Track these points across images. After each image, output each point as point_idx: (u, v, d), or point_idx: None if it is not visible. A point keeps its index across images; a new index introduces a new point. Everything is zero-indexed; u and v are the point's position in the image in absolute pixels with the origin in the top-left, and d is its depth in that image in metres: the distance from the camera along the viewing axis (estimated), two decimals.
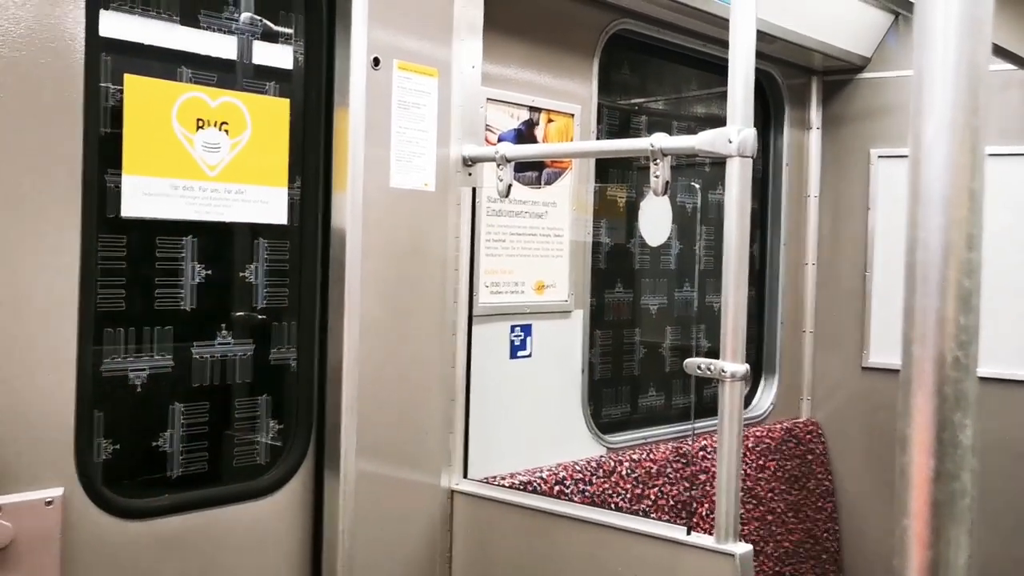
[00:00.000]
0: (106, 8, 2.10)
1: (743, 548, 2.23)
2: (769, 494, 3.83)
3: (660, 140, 2.38)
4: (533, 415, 3.13)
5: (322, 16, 2.47)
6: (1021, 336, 3.95)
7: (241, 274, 2.41)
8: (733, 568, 2.21)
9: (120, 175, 2.09)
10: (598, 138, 3.41)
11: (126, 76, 2.10)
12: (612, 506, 3.11)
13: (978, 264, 0.86)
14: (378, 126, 2.50)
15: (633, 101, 3.88)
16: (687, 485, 3.41)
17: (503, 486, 2.81)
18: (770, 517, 3.81)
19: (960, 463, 0.84)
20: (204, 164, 2.22)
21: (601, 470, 3.15)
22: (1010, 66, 3.80)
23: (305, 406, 2.46)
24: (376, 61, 2.48)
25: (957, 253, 0.86)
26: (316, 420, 2.46)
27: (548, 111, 3.16)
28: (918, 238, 0.88)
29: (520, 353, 3.07)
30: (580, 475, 3.07)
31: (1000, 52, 3.69)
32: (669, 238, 3.71)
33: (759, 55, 4.01)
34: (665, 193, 2.46)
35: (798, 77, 4.30)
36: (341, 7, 2.44)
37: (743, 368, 2.24)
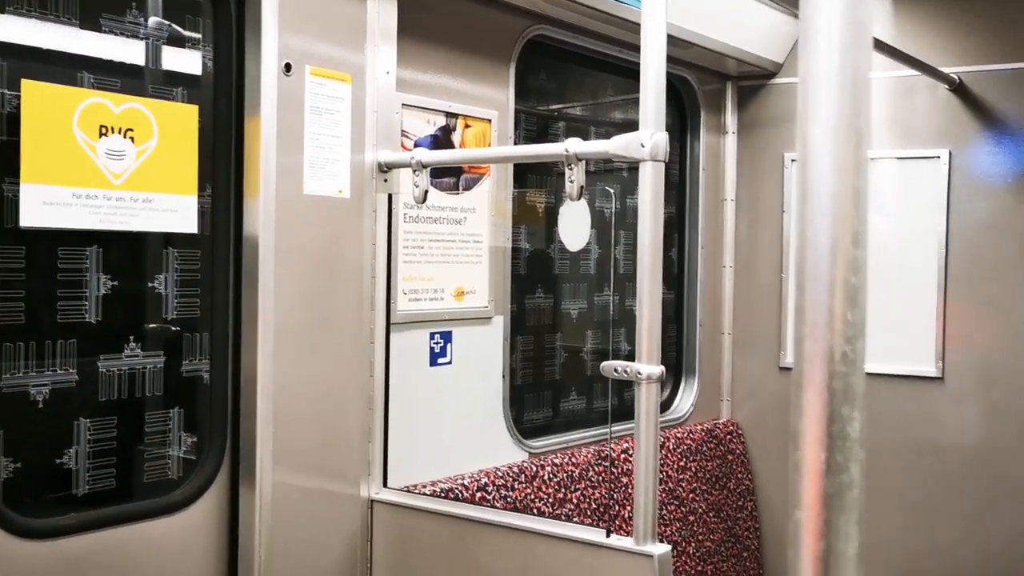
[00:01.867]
0: (2, 11, 2.03)
1: (662, 549, 2.25)
2: (691, 495, 3.88)
3: (575, 145, 2.40)
4: (454, 422, 3.12)
5: (231, 21, 2.43)
6: (923, 334, 4.06)
7: (150, 284, 2.35)
8: (652, 569, 2.23)
9: (18, 184, 2.02)
10: (516, 143, 3.42)
11: (23, 81, 2.03)
12: (534, 511, 3.12)
13: (864, 261, 0.88)
14: (290, 132, 2.47)
15: (552, 107, 3.90)
16: (609, 488, 3.43)
17: (424, 494, 2.79)
18: (692, 517, 3.86)
19: (849, 455, 0.86)
20: (108, 172, 2.16)
21: (523, 475, 3.15)
22: (915, 72, 3.92)
23: (219, 418, 2.41)
24: (288, 67, 2.45)
25: (844, 250, 0.88)
26: (231, 432, 2.42)
27: (465, 117, 3.15)
28: (807, 236, 0.90)
29: (440, 360, 3.06)
30: (502, 481, 3.07)
31: (905, 59, 3.80)
32: (588, 243, 3.73)
33: (675, 61, 4.10)
34: (580, 197, 2.48)
35: (713, 83, 4.37)
36: (251, 12, 2.41)
37: (659, 370, 2.27)
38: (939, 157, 4.05)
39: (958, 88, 4.01)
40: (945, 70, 3.95)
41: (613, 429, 3.45)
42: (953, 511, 4.03)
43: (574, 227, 2.98)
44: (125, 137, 2.19)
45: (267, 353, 2.39)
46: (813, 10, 0.89)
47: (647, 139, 2.25)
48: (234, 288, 2.43)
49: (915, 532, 4.10)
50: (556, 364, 3.76)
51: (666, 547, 2.26)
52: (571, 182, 2.43)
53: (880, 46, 3.73)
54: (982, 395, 3.98)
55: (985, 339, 3.98)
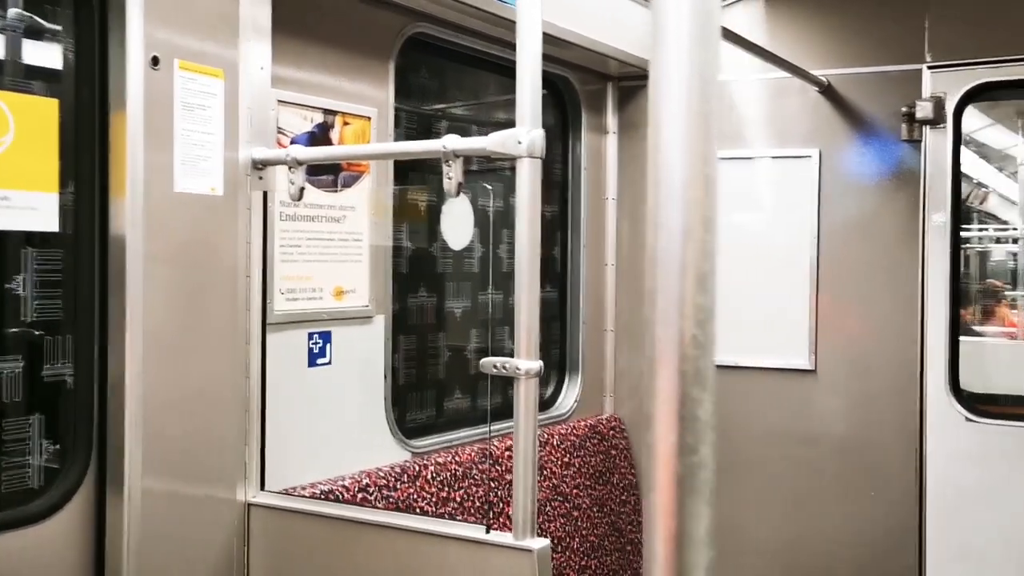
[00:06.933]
0: None
1: (540, 543, 2.26)
2: (575, 490, 3.91)
3: (452, 142, 2.40)
4: (335, 423, 3.07)
5: (94, 13, 2.34)
6: (797, 328, 4.20)
7: (7, 285, 2.24)
8: (531, 563, 2.24)
9: None
10: (397, 142, 3.39)
11: None
12: (417, 511, 3.10)
13: (713, 247, 0.90)
14: (159, 128, 2.39)
15: (433, 106, 3.88)
16: (493, 485, 3.44)
17: (303, 496, 2.74)
18: (576, 513, 3.89)
19: (699, 437, 0.87)
20: None
21: (406, 475, 3.13)
22: (787, 74, 4.05)
23: (84, 424, 2.32)
24: (155, 60, 2.37)
25: (695, 236, 0.89)
26: (97, 439, 2.33)
27: (343, 114, 3.11)
28: (659, 222, 0.91)
29: (319, 361, 3.01)
30: (384, 481, 3.04)
31: (777, 61, 3.92)
32: (472, 241, 3.73)
33: (556, 60, 4.13)
34: (458, 194, 2.48)
35: (595, 83, 4.42)
36: (115, 3, 2.32)
37: (536, 365, 2.28)
38: (810, 156, 4.20)
39: (827, 90, 4.16)
40: (815, 72, 4.10)
41: (497, 427, 3.45)
42: (828, 498, 4.17)
43: (457, 225, 2.96)
44: None
45: (136, 356, 2.31)
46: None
47: (524, 136, 2.26)
48: (100, 289, 2.34)
49: (792, 519, 4.23)
50: (440, 363, 3.74)
51: (545, 541, 2.27)
52: (449, 179, 2.43)
53: (754, 48, 3.84)
54: (852, 386, 4.14)
55: (854, 333, 4.14)
